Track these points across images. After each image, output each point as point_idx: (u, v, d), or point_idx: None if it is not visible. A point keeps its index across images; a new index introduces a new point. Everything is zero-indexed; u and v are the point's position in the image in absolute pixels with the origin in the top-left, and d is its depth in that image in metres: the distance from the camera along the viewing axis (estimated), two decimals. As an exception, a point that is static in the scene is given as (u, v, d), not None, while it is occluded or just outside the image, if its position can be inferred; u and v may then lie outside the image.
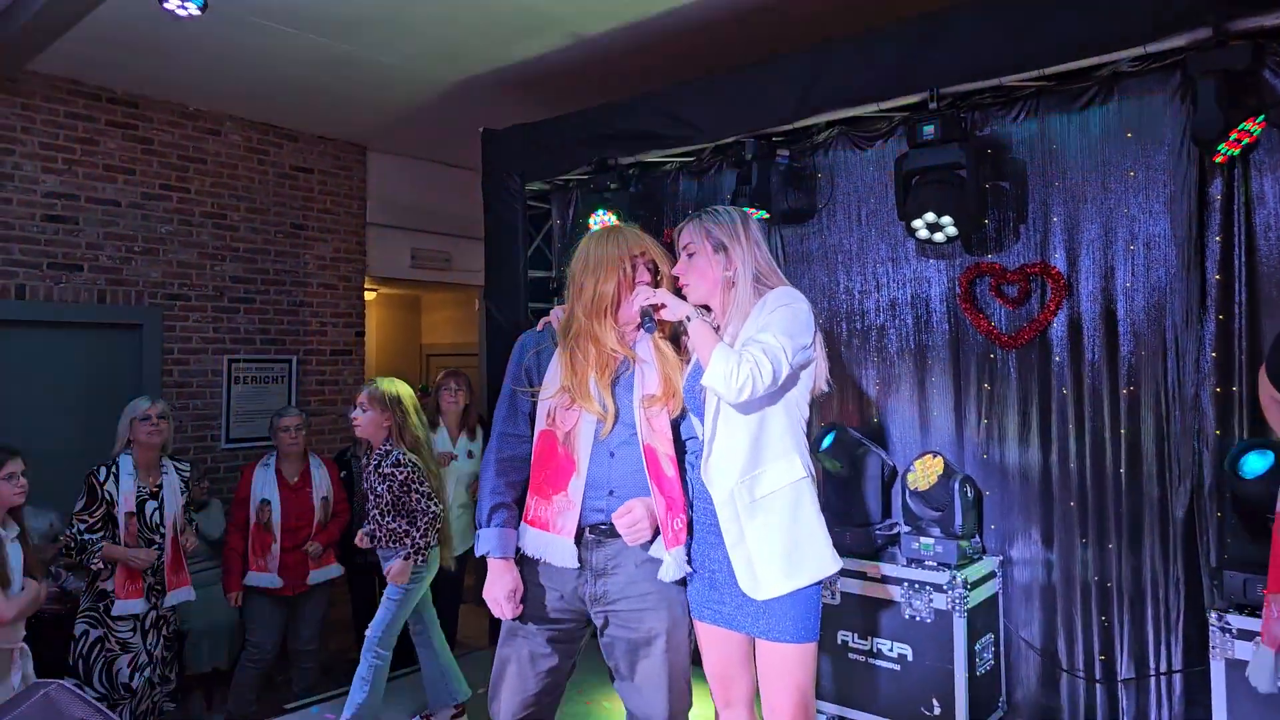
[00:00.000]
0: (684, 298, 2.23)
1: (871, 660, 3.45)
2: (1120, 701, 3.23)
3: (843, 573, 3.03)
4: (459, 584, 4.86)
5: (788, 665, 2.11)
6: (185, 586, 3.87)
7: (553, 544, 2.19)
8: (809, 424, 2.24)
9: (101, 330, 5.02)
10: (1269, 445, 2.70)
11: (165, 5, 3.62)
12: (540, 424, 2.26)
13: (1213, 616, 2.71)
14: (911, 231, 3.41)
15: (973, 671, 3.27)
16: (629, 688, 2.25)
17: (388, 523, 3.45)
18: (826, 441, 3.67)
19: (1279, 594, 2.17)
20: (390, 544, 3.47)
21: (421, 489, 3.46)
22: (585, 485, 2.18)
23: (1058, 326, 3.38)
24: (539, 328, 2.42)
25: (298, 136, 5.83)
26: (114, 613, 3.65)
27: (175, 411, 4.07)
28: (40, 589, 3.13)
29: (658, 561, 2.17)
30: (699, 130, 4.13)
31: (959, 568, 3.30)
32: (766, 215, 3.78)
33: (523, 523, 2.26)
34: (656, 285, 2.25)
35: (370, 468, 3.54)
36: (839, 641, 3.53)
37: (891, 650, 3.40)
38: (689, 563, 2.19)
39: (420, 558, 3.45)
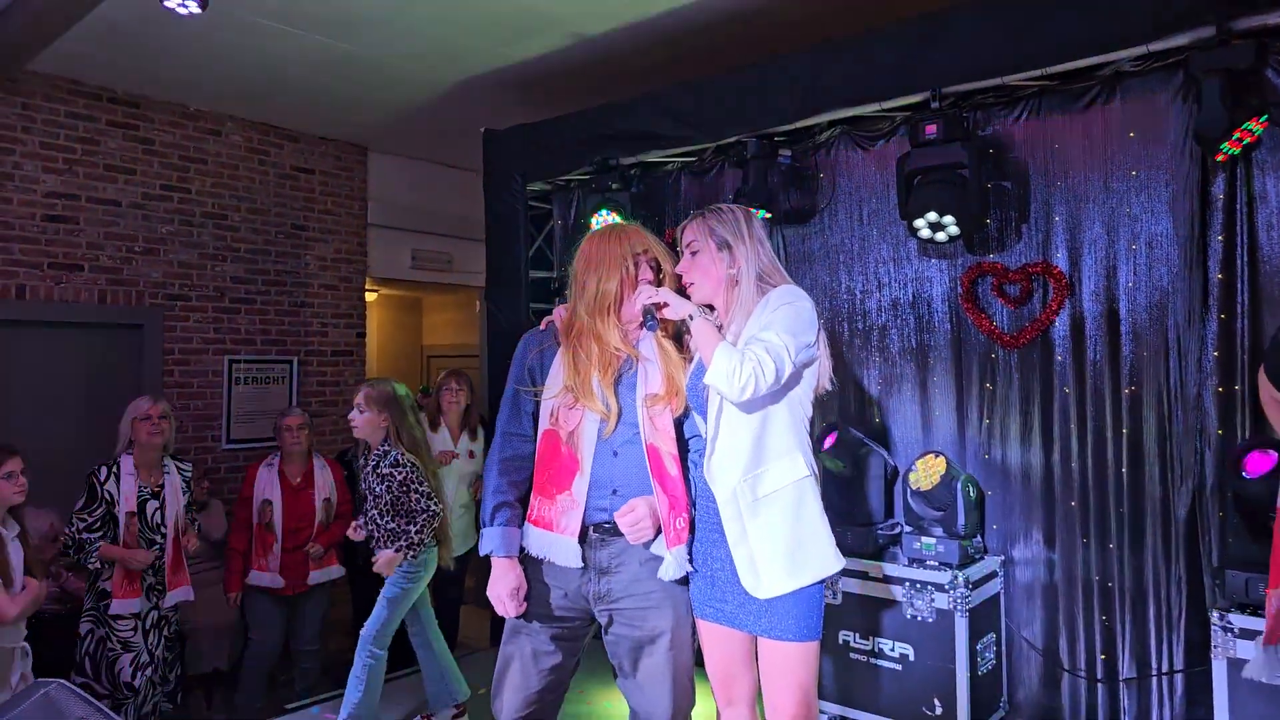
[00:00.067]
0: (687, 296, 2.23)
1: (873, 660, 3.45)
2: (1122, 701, 3.23)
3: (844, 572, 3.03)
4: (460, 585, 4.86)
5: (790, 664, 2.10)
6: (184, 586, 3.86)
7: (556, 543, 2.19)
8: (812, 423, 2.24)
9: (102, 330, 5.02)
10: (1272, 444, 2.69)
11: (165, 4, 3.59)
12: (544, 423, 2.26)
13: (1214, 616, 2.71)
14: (913, 231, 3.41)
15: (974, 671, 3.27)
16: (632, 686, 2.24)
17: (386, 523, 3.44)
18: (829, 442, 3.66)
19: (1281, 591, 2.17)
20: (388, 544, 3.46)
21: (421, 489, 3.45)
22: (589, 484, 2.18)
23: (1059, 326, 3.38)
24: (542, 327, 2.42)
25: (299, 137, 5.83)
26: (111, 611, 3.65)
27: (176, 412, 4.06)
28: (41, 588, 3.13)
29: (662, 560, 2.17)
30: (700, 130, 4.13)
31: (961, 567, 3.29)
32: (768, 215, 3.77)
33: (527, 522, 2.26)
34: (659, 284, 2.25)
35: (369, 468, 3.53)
36: (840, 641, 3.52)
37: (893, 650, 3.40)
38: (690, 561, 2.19)
39: (411, 553, 3.42)
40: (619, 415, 2.18)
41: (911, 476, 3.47)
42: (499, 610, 2.24)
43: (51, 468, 3.90)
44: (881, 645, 3.43)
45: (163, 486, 3.83)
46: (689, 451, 2.26)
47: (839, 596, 3.51)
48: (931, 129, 3.30)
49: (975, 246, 3.56)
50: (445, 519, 3.60)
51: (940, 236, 3.37)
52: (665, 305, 2.17)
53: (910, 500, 3.50)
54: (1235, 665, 2.64)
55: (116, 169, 5.02)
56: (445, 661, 3.67)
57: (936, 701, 3.27)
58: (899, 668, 3.38)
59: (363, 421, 3.52)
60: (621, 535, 2.15)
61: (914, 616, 3.34)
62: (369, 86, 4.99)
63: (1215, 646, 2.69)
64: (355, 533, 3.60)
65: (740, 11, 4.10)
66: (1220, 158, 2.87)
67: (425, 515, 3.43)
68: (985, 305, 3.56)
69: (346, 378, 6.03)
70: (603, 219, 4.17)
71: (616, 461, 2.19)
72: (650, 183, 4.50)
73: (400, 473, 3.42)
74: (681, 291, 2.24)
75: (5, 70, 4.52)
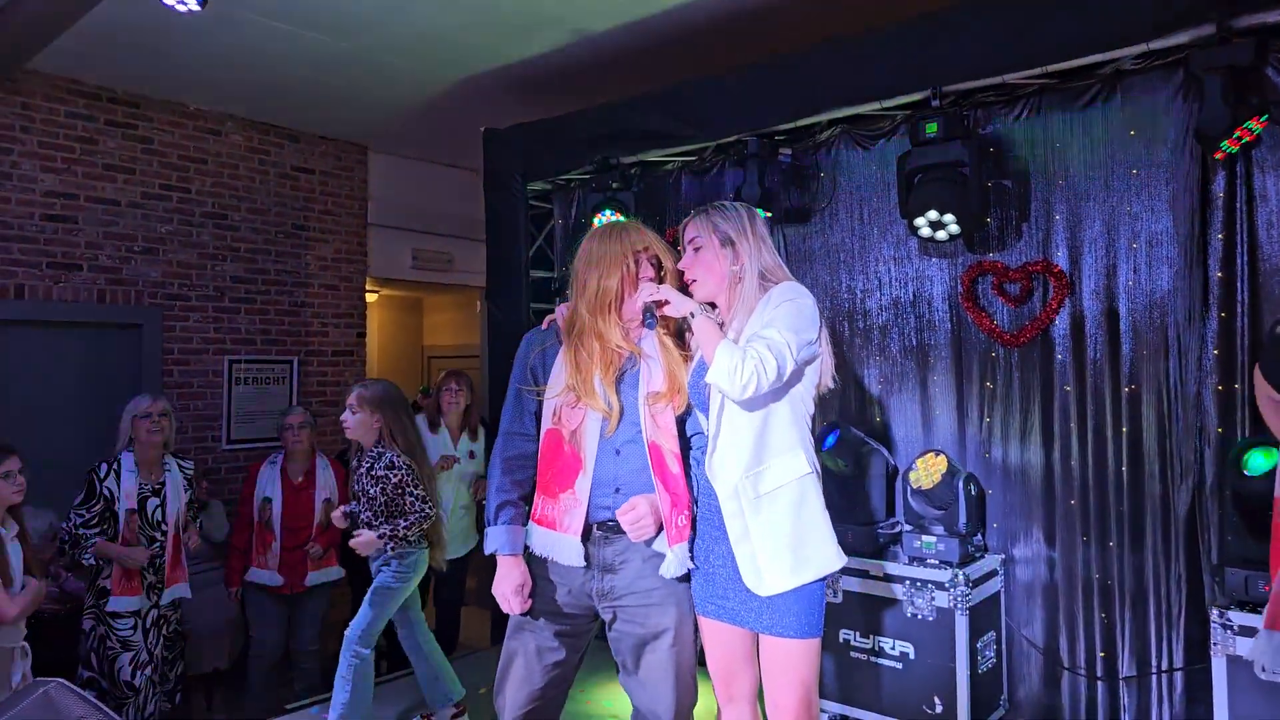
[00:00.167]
0: (689, 294, 2.23)
1: (874, 658, 3.45)
2: (1122, 699, 3.23)
3: (845, 571, 3.03)
4: (461, 586, 4.85)
5: (791, 661, 2.11)
6: (182, 583, 3.85)
7: (560, 542, 2.19)
8: (814, 420, 2.24)
9: (101, 330, 5.02)
10: (1273, 443, 2.69)
11: (165, 1, 3.59)
12: (546, 423, 2.26)
13: (1214, 613, 2.72)
14: (914, 230, 3.41)
15: (975, 669, 3.27)
16: (635, 683, 2.25)
17: (379, 526, 3.42)
18: (830, 441, 3.67)
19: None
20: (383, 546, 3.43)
21: (416, 491, 3.40)
22: (592, 483, 2.18)
23: (1060, 325, 3.38)
24: (544, 326, 2.42)
25: (299, 136, 5.83)
26: (109, 608, 3.64)
27: (175, 412, 4.05)
28: (40, 588, 3.12)
29: (664, 557, 2.17)
30: (701, 129, 4.13)
31: (961, 566, 3.30)
32: (769, 214, 3.78)
33: (530, 521, 2.26)
34: (660, 281, 2.24)
35: (361, 470, 3.47)
36: (841, 640, 3.52)
37: (894, 648, 3.40)
38: (692, 558, 2.19)
39: (392, 545, 3.37)
40: (621, 414, 2.18)
41: (912, 475, 3.47)
42: (504, 607, 2.24)
43: (50, 467, 3.90)
44: (882, 643, 3.43)
45: (164, 484, 3.83)
46: (691, 449, 2.26)
47: (839, 595, 3.51)
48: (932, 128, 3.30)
49: (975, 245, 3.57)
50: (438, 522, 3.55)
51: (941, 235, 3.37)
52: (666, 303, 2.17)
53: (911, 499, 3.50)
54: (1235, 663, 2.64)
55: (116, 168, 5.02)
56: (437, 661, 3.63)
57: (937, 700, 3.27)
58: (899, 666, 3.38)
59: (355, 423, 3.45)
60: (624, 533, 2.16)
61: (914, 615, 3.35)
62: (369, 86, 4.99)
63: (1215, 644, 2.69)
64: (341, 520, 3.57)
65: (741, 11, 4.10)
66: (1220, 156, 2.88)
67: (417, 515, 3.40)
68: (986, 304, 3.57)
69: (347, 378, 6.02)
70: (606, 218, 4.17)
71: (619, 460, 2.19)
72: (650, 182, 4.50)
73: (396, 474, 3.38)
74: (683, 289, 2.24)
75: (4, 69, 4.51)
